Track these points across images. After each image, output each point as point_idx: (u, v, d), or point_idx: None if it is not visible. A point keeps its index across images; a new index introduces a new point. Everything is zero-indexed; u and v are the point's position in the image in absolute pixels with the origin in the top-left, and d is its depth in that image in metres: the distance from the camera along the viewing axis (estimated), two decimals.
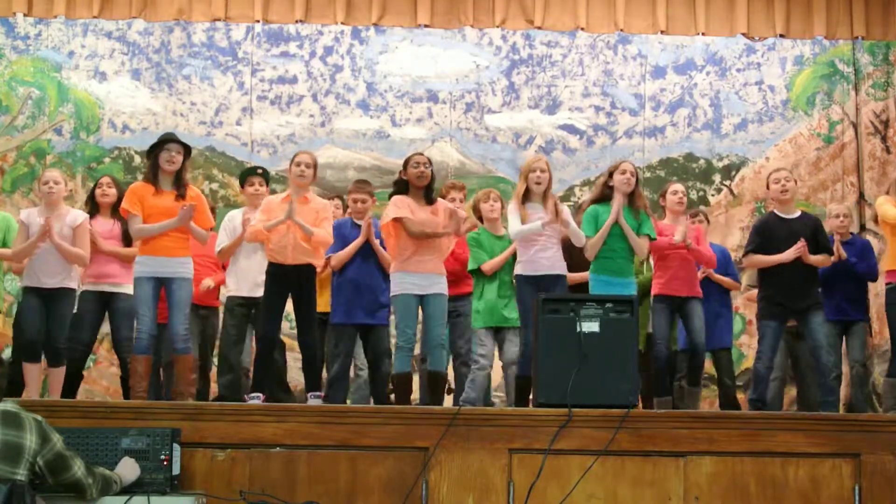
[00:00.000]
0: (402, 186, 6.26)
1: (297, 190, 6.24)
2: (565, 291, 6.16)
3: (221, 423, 4.89)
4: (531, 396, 5.80)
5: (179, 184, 6.13)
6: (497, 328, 6.50)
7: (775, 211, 6.54)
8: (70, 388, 6.45)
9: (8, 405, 4.06)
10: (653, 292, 6.61)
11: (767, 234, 6.39)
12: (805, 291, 6.27)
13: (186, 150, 6.21)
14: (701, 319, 6.58)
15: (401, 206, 6.16)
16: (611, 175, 6.32)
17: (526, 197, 6.24)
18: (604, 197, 6.30)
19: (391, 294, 6.23)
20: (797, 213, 6.51)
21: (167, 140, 6.15)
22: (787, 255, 6.25)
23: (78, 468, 4.14)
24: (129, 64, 9.23)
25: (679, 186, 6.90)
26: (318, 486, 4.79)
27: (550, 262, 6.20)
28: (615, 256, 6.17)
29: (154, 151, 6.13)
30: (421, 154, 6.37)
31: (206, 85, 9.23)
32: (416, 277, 6.10)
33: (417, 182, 6.19)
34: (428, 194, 6.24)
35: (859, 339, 7.10)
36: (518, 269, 6.25)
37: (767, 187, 6.65)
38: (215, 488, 4.72)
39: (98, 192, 6.73)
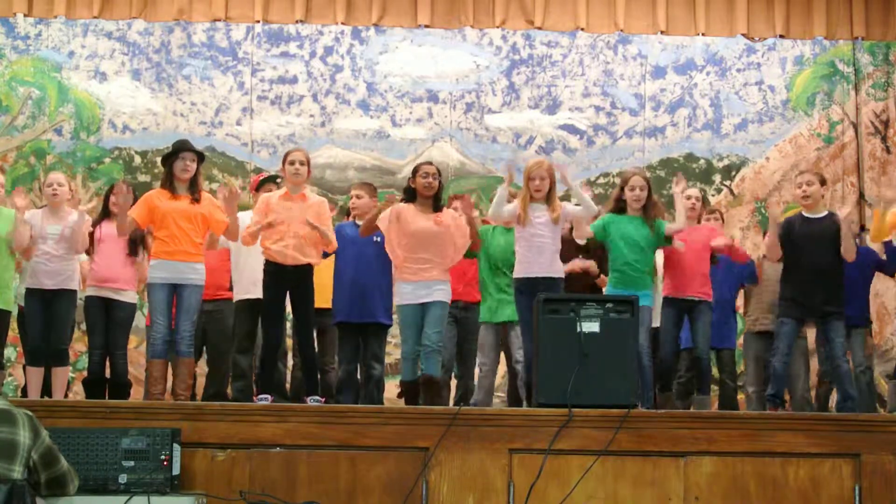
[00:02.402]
0: (410, 195, 6.33)
1: (293, 188, 6.31)
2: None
3: (221, 423, 4.89)
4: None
5: (194, 189, 6.24)
6: (500, 325, 6.56)
7: (802, 212, 6.50)
8: (93, 394, 6.51)
9: None
10: (663, 293, 6.60)
11: (788, 233, 6.36)
12: (827, 295, 6.23)
13: (200, 156, 6.32)
14: (707, 327, 6.59)
15: (389, 214, 6.23)
16: (622, 189, 6.34)
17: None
18: (618, 209, 6.32)
19: (395, 304, 6.28)
20: (822, 213, 6.44)
21: (182, 149, 6.24)
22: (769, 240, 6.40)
23: (63, 461, 4.16)
24: (130, 64, 9.23)
25: (693, 191, 6.85)
26: (318, 486, 4.79)
27: (547, 264, 6.10)
28: (631, 270, 6.16)
29: (168, 160, 6.24)
30: (430, 164, 6.43)
31: (206, 85, 9.23)
32: (415, 287, 6.14)
33: (425, 192, 6.26)
34: (435, 203, 6.30)
35: (858, 344, 7.11)
36: (516, 272, 6.18)
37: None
38: (215, 488, 4.72)
39: (112, 198, 6.77)
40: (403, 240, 6.22)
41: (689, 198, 6.70)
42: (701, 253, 6.61)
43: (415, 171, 6.36)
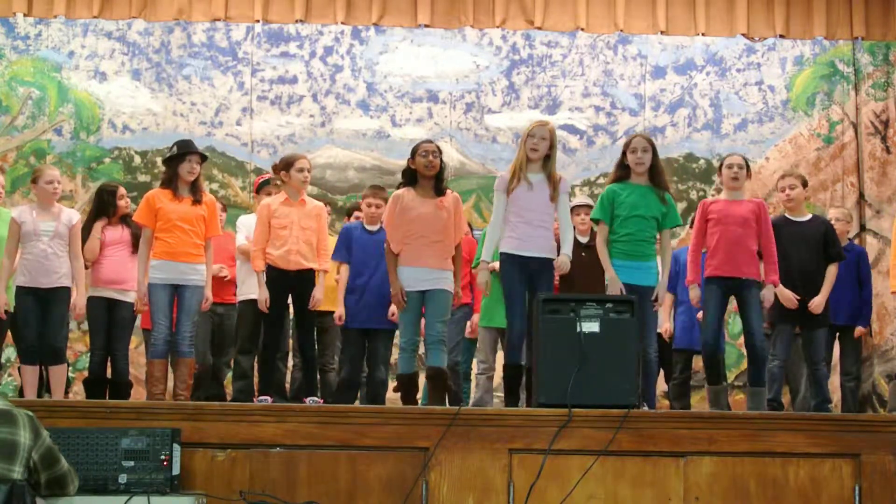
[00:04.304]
0: (410, 176, 5.92)
1: (295, 194, 6.30)
2: (551, 280, 5.76)
3: (221, 423, 4.88)
4: (529, 393, 5.75)
5: (196, 189, 6.26)
6: (499, 329, 6.53)
7: (785, 214, 6.50)
8: (94, 394, 6.55)
9: None
10: (705, 274, 6.01)
11: (775, 234, 6.27)
12: (811, 298, 6.22)
13: (202, 157, 6.34)
14: (759, 312, 5.99)
15: (391, 206, 5.92)
16: (625, 153, 5.90)
17: (526, 164, 5.72)
18: (620, 178, 5.90)
19: None
20: (807, 217, 6.43)
21: (188, 151, 6.25)
22: (784, 295, 6.15)
23: (64, 461, 4.15)
24: (129, 64, 9.23)
25: (735, 159, 6.15)
26: (318, 486, 4.79)
27: (539, 242, 5.68)
28: (633, 240, 5.78)
29: (173, 161, 6.24)
30: (430, 142, 5.98)
31: (206, 85, 9.23)
32: (417, 272, 5.78)
33: (426, 171, 5.82)
34: (438, 185, 5.90)
35: (849, 349, 7.09)
36: (504, 247, 5.69)
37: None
38: (215, 488, 4.72)
39: (122, 202, 6.81)
40: (404, 226, 5.83)
41: (730, 167, 6.10)
42: (745, 228, 5.99)
43: (414, 150, 5.90)
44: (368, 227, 6.69)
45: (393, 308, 6.36)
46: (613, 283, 5.73)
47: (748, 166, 6.20)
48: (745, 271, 5.95)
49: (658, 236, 5.92)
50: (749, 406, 6.02)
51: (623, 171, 5.92)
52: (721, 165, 6.24)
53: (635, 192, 5.85)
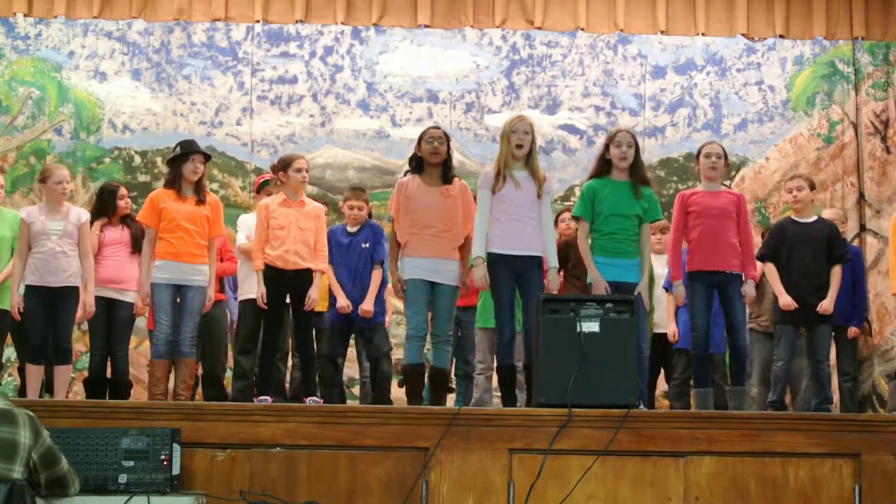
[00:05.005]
0: (417, 163, 5.81)
1: (294, 195, 6.33)
2: (540, 277, 5.72)
3: (221, 423, 4.88)
4: (529, 393, 5.74)
5: (199, 189, 6.28)
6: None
7: (791, 215, 6.52)
8: (94, 394, 6.59)
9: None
10: (687, 269, 5.96)
11: (781, 237, 6.35)
12: (816, 299, 6.25)
13: (206, 157, 6.37)
14: (743, 310, 5.99)
15: (396, 195, 5.82)
16: (607, 147, 5.81)
17: (509, 161, 5.65)
18: (601, 172, 5.81)
19: (404, 278, 5.81)
20: (813, 218, 6.45)
21: (192, 151, 6.27)
22: (783, 300, 6.21)
23: (64, 461, 4.15)
24: (129, 64, 9.23)
25: (714, 148, 6.10)
26: (318, 486, 4.79)
27: (528, 239, 5.61)
28: (614, 238, 5.73)
29: (177, 161, 6.26)
30: (437, 127, 5.90)
31: (206, 85, 9.23)
32: (423, 262, 5.69)
33: (431, 159, 5.73)
34: (445, 172, 5.78)
35: (846, 350, 7.09)
36: (492, 246, 5.61)
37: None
38: (215, 488, 4.72)
39: (122, 203, 6.84)
40: (409, 216, 5.74)
41: (708, 156, 6.05)
42: (726, 220, 5.95)
43: (420, 137, 5.80)
44: (349, 229, 6.78)
45: (364, 305, 6.52)
46: (597, 283, 5.68)
47: (726, 156, 6.16)
48: (728, 264, 5.92)
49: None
50: (732, 406, 6.02)
51: (603, 166, 5.84)
52: (699, 154, 6.16)
53: (615, 190, 5.78)
